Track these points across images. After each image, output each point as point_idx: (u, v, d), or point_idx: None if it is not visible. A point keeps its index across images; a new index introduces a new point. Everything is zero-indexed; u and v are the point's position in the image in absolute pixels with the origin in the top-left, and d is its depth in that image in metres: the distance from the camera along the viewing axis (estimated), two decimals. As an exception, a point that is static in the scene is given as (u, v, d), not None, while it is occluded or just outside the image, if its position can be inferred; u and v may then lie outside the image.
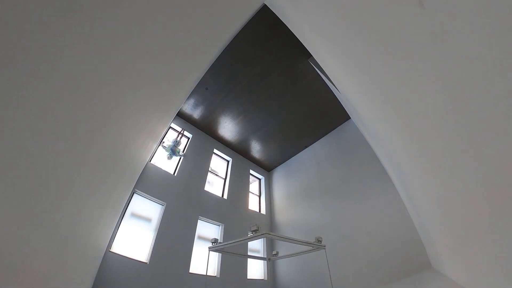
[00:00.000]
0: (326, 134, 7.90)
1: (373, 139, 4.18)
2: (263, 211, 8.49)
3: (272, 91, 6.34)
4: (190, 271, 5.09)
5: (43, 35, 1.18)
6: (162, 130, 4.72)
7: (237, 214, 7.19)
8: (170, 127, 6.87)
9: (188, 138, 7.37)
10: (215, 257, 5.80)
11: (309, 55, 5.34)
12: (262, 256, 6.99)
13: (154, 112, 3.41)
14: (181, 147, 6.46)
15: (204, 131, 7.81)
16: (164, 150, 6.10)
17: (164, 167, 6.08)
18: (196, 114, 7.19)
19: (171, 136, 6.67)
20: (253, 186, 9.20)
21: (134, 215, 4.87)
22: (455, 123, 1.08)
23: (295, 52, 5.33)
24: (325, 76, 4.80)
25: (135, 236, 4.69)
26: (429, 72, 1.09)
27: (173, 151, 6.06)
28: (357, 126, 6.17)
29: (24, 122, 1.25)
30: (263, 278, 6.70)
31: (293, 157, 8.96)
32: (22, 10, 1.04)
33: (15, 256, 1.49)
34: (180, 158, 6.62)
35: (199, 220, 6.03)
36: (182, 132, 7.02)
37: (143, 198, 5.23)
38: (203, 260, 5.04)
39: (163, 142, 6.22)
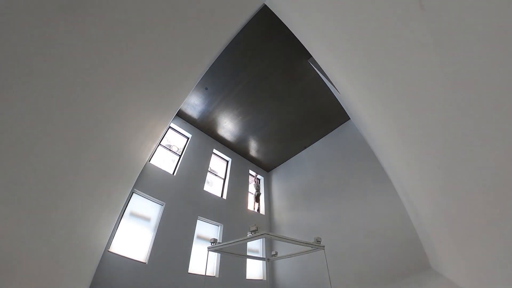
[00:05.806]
0: (326, 134, 7.90)
1: (372, 140, 4.19)
2: (262, 211, 8.49)
3: (272, 91, 6.34)
4: (189, 271, 5.08)
5: (43, 34, 1.18)
6: (162, 130, 4.71)
7: (236, 214, 7.18)
8: (170, 127, 6.86)
9: (188, 138, 7.36)
10: (214, 257, 5.79)
11: (309, 56, 5.34)
12: (261, 256, 6.99)
13: (153, 112, 3.40)
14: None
15: (204, 131, 7.81)
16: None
17: (163, 167, 6.08)
18: (196, 114, 7.18)
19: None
20: (253, 187, 9.18)
21: (133, 214, 4.86)
22: (455, 125, 1.08)
23: (295, 52, 5.33)
24: (325, 76, 4.80)
25: (134, 236, 4.68)
26: (429, 74, 1.09)
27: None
28: (357, 127, 6.17)
29: (23, 121, 1.25)
30: (262, 278, 6.70)
31: (292, 157, 8.96)
32: (22, 9, 1.04)
33: (13, 256, 1.48)
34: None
35: (198, 220, 6.02)
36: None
37: (142, 197, 5.21)
38: (202, 260, 5.03)
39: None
